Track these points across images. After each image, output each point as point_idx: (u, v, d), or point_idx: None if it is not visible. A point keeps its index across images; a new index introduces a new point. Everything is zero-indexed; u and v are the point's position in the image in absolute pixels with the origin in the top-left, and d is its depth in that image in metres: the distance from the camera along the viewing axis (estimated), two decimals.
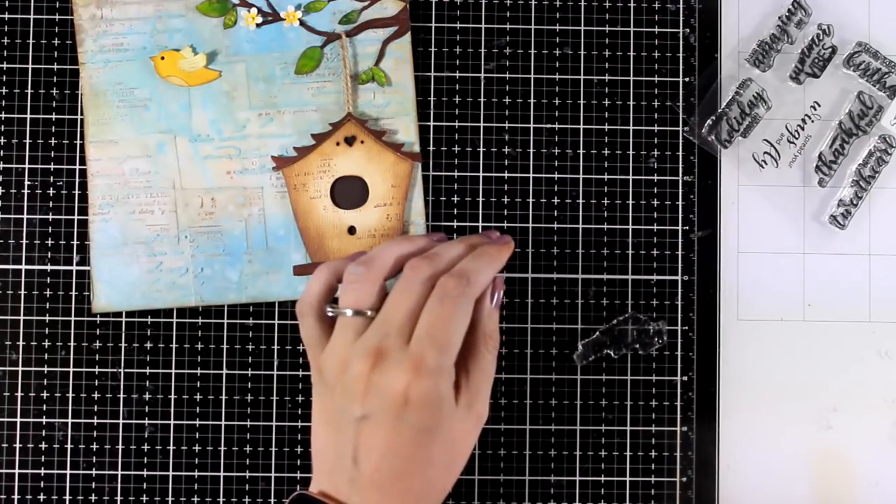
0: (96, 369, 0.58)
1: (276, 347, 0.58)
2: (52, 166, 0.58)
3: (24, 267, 0.58)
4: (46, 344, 0.58)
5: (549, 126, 0.59)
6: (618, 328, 0.58)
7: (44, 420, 0.57)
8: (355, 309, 0.48)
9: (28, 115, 0.58)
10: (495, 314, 0.50)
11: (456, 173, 0.59)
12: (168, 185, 0.58)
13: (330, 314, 0.49)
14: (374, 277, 0.49)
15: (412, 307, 0.47)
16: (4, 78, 0.58)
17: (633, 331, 0.58)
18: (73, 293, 0.58)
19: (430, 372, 0.46)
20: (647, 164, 0.59)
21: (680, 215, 0.59)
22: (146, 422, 0.58)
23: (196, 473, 0.57)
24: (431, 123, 0.59)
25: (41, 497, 0.57)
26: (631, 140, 0.59)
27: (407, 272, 0.48)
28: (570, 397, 0.58)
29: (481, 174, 0.59)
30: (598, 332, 0.58)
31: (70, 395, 0.57)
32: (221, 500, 0.57)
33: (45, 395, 0.57)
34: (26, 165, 0.58)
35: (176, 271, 0.57)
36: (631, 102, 0.59)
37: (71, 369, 0.58)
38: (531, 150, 0.59)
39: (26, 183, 0.58)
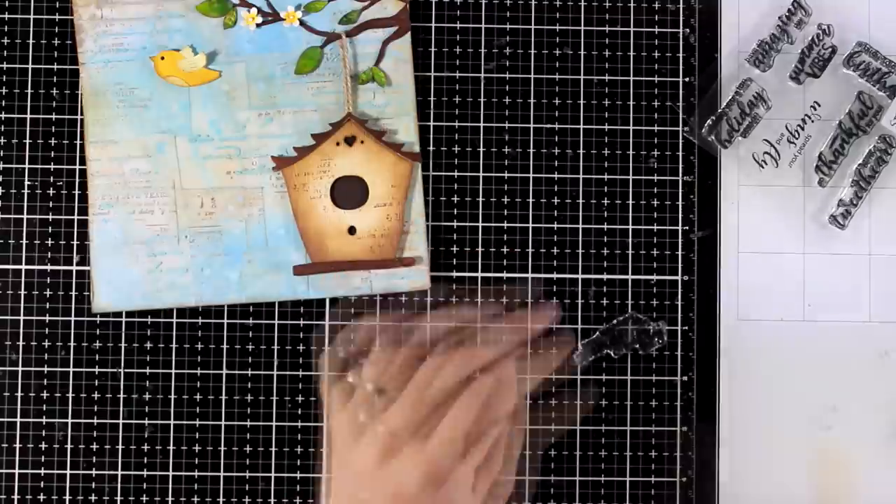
0: (96, 369, 0.58)
1: (276, 347, 0.58)
2: (52, 166, 0.58)
3: (24, 267, 0.58)
4: (46, 344, 0.58)
5: (549, 126, 0.59)
6: (618, 328, 0.58)
7: (44, 420, 0.57)
8: (376, 385, 0.49)
9: (28, 115, 0.58)
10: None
11: (456, 173, 0.59)
12: (168, 185, 0.58)
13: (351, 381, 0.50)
14: (401, 361, 0.50)
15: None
16: (4, 78, 0.58)
17: (633, 331, 0.58)
18: (73, 293, 0.58)
19: (441, 476, 0.46)
20: (647, 164, 0.59)
21: (680, 215, 0.59)
22: (146, 422, 0.57)
23: (196, 473, 0.57)
24: (431, 123, 0.59)
25: (41, 497, 0.57)
26: (631, 140, 0.59)
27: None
28: (570, 397, 0.58)
29: (481, 174, 0.59)
30: (598, 332, 0.58)
31: (70, 395, 0.57)
32: (221, 500, 0.57)
33: (45, 395, 0.57)
34: (26, 165, 0.58)
35: (176, 271, 0.57)
36: (631, 102, 0.59)
37: (71, 369, 0.58)
38: (531, 150, 0.59)
39: (26, 183, 0.58)
